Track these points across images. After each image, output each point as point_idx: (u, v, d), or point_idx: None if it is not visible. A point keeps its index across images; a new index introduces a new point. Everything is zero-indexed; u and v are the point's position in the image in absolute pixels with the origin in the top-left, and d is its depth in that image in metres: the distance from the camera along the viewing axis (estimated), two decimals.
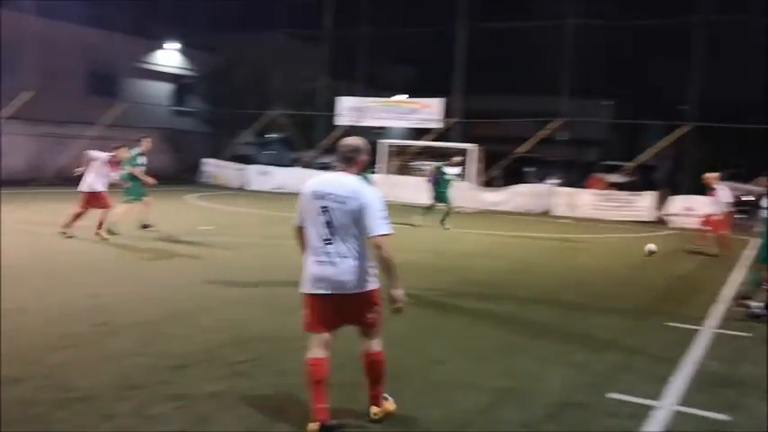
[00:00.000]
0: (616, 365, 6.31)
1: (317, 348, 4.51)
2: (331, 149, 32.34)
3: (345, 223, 4.36)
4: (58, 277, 8.94)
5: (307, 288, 4.50)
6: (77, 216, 12.32)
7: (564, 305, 8.98)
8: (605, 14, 26.39)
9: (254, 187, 28.60)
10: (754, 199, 21.90)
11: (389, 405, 4.79)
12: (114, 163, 12.83)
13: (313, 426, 4.38)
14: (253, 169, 30.09)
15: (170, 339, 6.38)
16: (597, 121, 38.08)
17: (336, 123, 30.54)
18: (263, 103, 32.90)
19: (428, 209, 17.53)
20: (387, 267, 4.39)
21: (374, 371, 4.66)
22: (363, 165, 4.59)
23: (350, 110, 30.20)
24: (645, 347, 6.99)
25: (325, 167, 31.79)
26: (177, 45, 36.22)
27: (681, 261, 13.96)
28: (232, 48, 35.18)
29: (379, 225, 4.33)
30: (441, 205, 17.46)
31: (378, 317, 4.59)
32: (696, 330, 7.78)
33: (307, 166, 31.55)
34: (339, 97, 30.95)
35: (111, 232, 12.57)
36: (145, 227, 13.55)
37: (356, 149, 4.54)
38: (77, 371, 5.36)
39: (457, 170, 18.63)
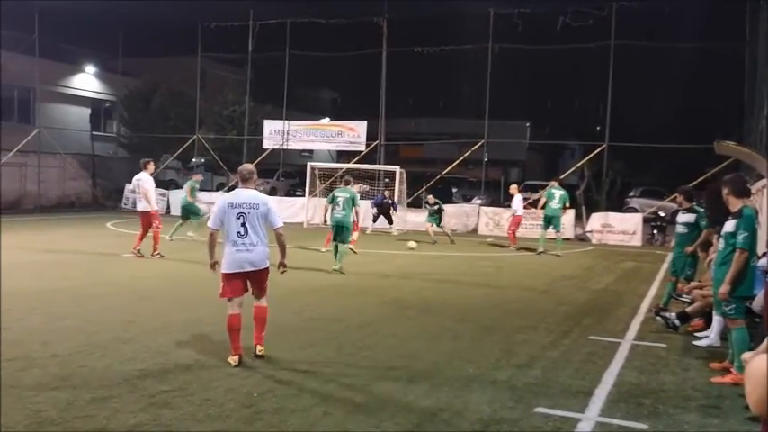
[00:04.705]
0: (540, 380, 6.42)
1: (234, 307, 6.61)
2: (259, 173, 32.02)
3: (256, 222, 6.63)
4: None
5: (228, 269, 6.59)
6: None
7: (488, 322, 9.10)
8: (524, 39, 27.18)
9: (179, 213, 27.91)
10: (663, 215, 22.93)
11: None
12: None
13: (233, 358, 6.44)
14: (177, 194, 29.41)
15: (89, 371, 6.14)
16: (518, 142, 39.10)
17: (264, 147, 30.30)
18: (186, 127, 32.38)
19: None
20: (282, 246, 6.92)
21: (260, 319, 6.77)
22: (255, 181, 6.96)
23: (276, 133, 30.05)
24: (568, 361, 7.16)
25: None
26: (95, 69, 35.34)
27: (600, 276, 14.41)
28: (153, 72, 34.58)
29: (278, 220, 6.81)
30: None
31: (267, 283, 6.86)
32: (616, 343, 8.04)
33: (233, 189, 31.13)
34: (265, 120, 30.74)
35: None
36: None
37: (252, 172, 6.92)
38: None
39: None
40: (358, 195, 13.96)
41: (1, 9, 25.45)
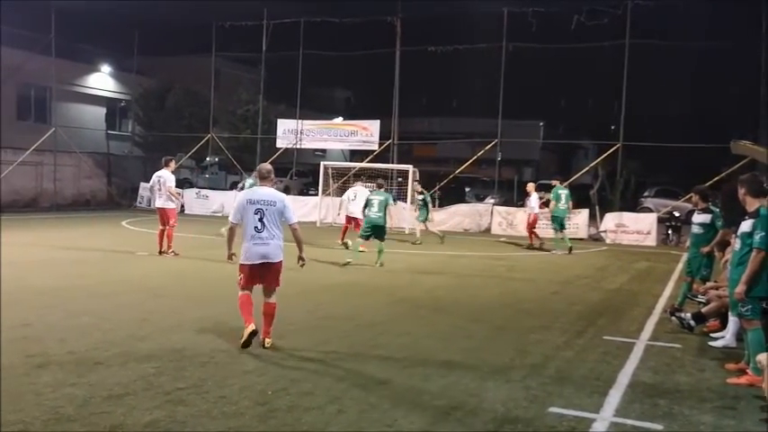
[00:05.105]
0: (555, 380, 6.41)
1: (246, 291, 7.15)
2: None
3: (272, 218, 7.11)
4: None
5: (246, 260, 7.10)
6: None
7: (501, 321, 9.09)
8: (539, 38, 27.06)
9: (193, 211, 28.13)
10: (678, 215, 22.75)
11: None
12: None
13: (247, 329, 6.87)
14: (191, 193, 29.59)
15: (105, 369, 6.20)
16: (532, 141, 38.93)
17: (278, 146, 30.37)
18: (200, 126, 32.52)
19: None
20: (299, 241, 7.38)
21: (269, 315, 7.15)
22: (273, 180, 7.47)
23: (289, 132, 30.11)
24: (582, 361, 7.13)
25: None
26: (110, 69, 35.61)
27: (614, 276, 14.34)
28: (167, 71, 34.77)
29: (293, 217, 7.30)
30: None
31: (280, 280, 7.29)
32: (631, 343, 8.01)
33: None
34: (279, 119, 30.80)
35: None
36: None
37: (270, 171, 7.47)
38: (7, 405, 5.15)
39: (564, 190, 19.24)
40: (391, 198, 14.70)
41: (12, 9, 25.77)
